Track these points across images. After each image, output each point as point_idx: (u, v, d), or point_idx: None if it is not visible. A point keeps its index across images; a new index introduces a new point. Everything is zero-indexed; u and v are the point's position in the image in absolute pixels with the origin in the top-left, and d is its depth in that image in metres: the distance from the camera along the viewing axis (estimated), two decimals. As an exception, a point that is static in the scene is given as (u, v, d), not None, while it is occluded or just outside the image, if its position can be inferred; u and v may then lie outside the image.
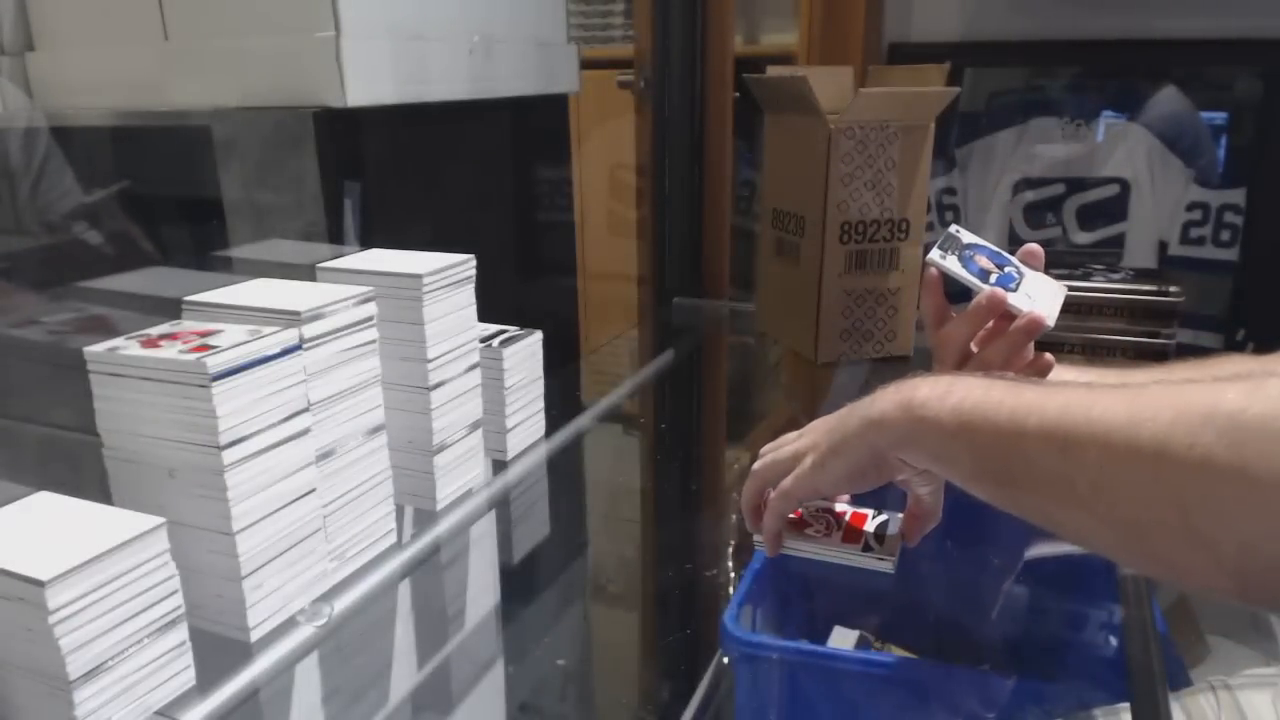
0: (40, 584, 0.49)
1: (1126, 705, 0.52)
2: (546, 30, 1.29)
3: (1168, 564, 0.40)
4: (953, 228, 0.73)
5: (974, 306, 0.68)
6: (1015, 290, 0.68)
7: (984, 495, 0.48)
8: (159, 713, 0.56)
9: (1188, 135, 1.48)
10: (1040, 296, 0.69)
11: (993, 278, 0.69)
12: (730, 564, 0.83)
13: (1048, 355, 0.68)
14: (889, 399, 0.52)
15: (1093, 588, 0.73)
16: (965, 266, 0.70)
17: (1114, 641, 0.70)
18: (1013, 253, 0.72)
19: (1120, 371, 0.66)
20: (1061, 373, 0.67)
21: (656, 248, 1.61)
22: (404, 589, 0.76)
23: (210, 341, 0.61)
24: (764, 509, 0.61)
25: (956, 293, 0.71)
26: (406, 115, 1.02)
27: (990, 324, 0.68)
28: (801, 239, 1.23)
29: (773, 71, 1.28)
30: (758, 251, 1.41)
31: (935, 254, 0.71)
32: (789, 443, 0.61)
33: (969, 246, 0.72)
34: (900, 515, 0.66)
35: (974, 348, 0.69)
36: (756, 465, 0.62)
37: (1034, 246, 0.72)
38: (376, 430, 0.74)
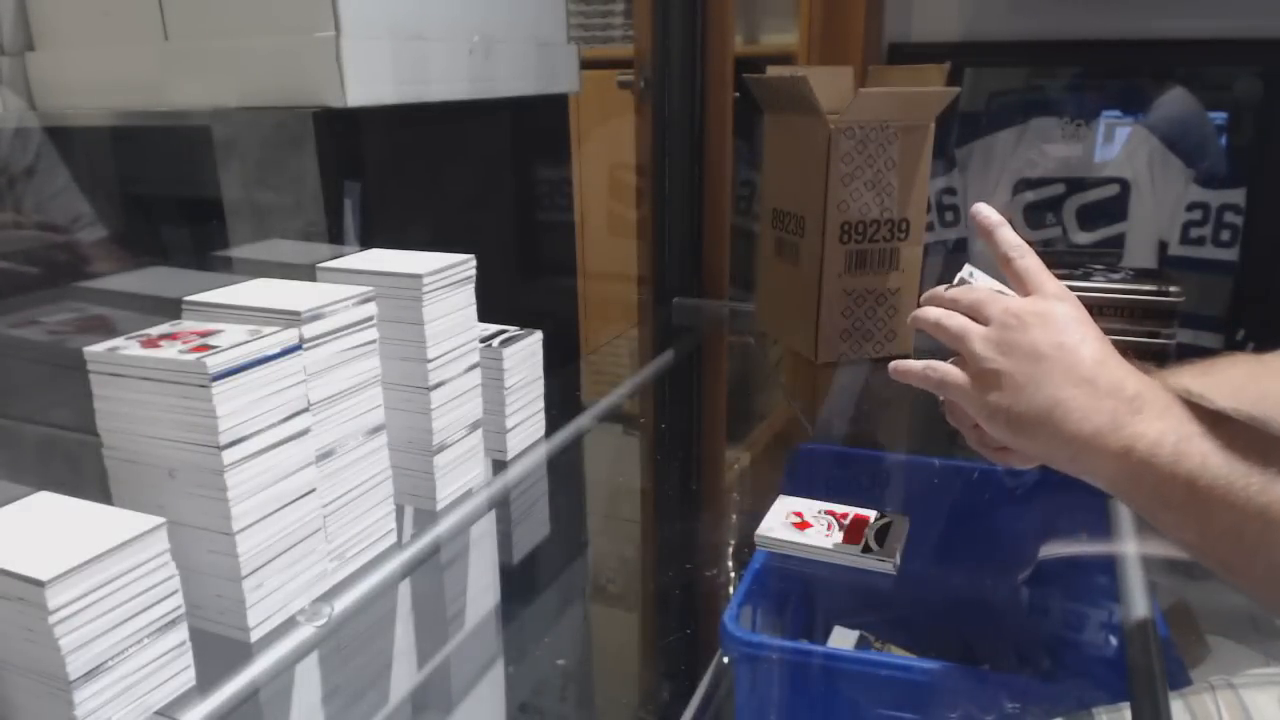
0: (40, 584, 0.49)
1: (1127, 705, 0.52)
2: (546, 30, 1.28)
3: None
4: (966, 270, 0.70)
5: None
6: None
7: (1193, 558, 0.45)
8: (159, 713, 0.56)
9: (1191, 136, 1.48)
10: None
11: None
12: (730, 564, 0.83)
13: None
14: (1110, 434, 0.49)
15: (1093, 588, 0.73)
16: None
17: (1114, 641, 0.70)
18: None
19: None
20: None
21: (656, 248, 1.61)
22: (404, 589, 0.76)
23: (210, 341, 0.61)
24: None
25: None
26: (406, 115, 1.02)
27: None
28: (801, 239, 1.23)
29: (773, 71, 1.28)
30: (758, 251, 1.41)
31: None
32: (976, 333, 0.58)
33: None
34: (903, 517, 0.66)
35: None
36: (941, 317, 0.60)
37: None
38: (376, 430, 0.74)
